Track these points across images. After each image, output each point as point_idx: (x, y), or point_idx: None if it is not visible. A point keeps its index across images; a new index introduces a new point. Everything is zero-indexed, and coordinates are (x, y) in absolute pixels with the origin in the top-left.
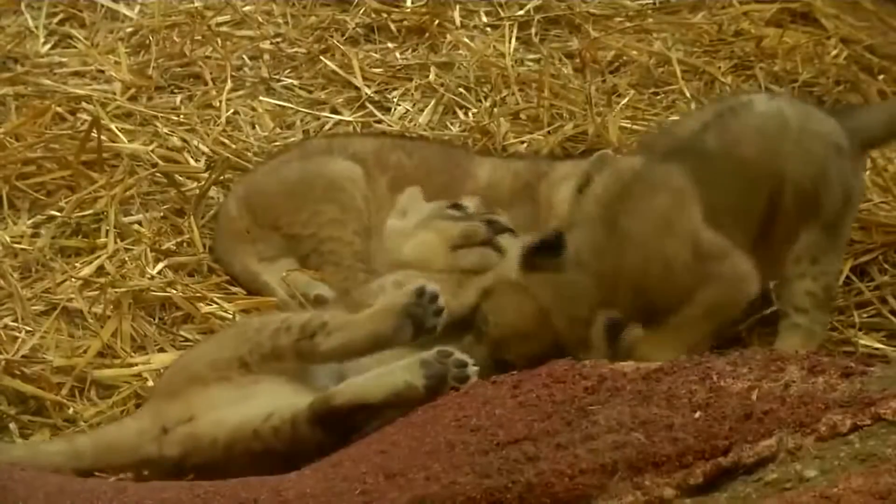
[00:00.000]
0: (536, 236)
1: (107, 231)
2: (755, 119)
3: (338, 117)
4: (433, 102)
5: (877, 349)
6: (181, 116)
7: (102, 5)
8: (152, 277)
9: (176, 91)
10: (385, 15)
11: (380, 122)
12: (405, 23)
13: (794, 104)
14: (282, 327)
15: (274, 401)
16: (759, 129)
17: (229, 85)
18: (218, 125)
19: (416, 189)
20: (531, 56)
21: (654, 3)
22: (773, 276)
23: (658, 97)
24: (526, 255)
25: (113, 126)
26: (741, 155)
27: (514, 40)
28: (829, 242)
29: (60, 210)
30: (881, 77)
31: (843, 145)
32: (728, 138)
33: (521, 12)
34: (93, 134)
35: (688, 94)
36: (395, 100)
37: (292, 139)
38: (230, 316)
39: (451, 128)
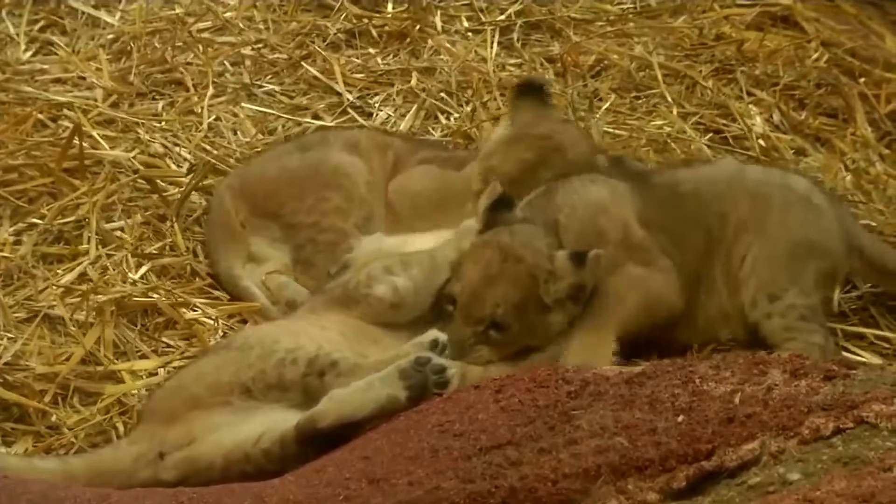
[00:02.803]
0: (490, 196)
1: (89, 238)
2: (713, 169)
3: (319, 122)
4: (415, 108)
5: (861, 356)
6: (163, 123)
7: (83, 12)
8: (134, 283)
9: (157, 97)
10: (366, 20)
11: (361, 127)
12: (386, 28)
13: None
14: (287, 358)
15: (267, 423)
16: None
17: (211, 91)
18: (200, 131)
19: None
20: (512, 61)
21: (635, 8)
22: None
23: (639, 101)
24: (486, 212)
25: (94, 133)
26: (681, 190)
27: (495, 45)
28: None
29: (42, 217)
30: (862, 80)
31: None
32: (677, 177)
33: (503, 17)
34: (74, 141)
35: (669, 99)
36: (377, 105)
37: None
38: (212, 321)
39: (433, 132)
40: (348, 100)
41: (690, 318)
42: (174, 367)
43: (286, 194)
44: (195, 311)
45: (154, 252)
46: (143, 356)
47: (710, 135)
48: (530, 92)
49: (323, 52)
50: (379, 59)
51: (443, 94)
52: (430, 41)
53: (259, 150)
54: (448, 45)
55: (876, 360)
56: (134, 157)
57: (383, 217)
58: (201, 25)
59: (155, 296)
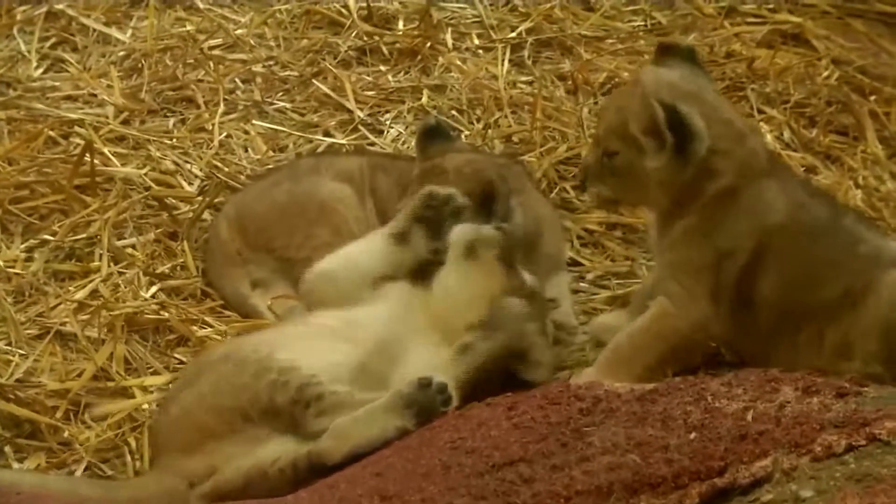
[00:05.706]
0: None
1: (100, 255)
2: None
3: (330, 140)
4: None
5: None
6: (174, 140)
7: (94, 29)
8: (146, 300)
9: (168, 114)
10: (377, 38)
11: (372, 144)
12: (397, 45)
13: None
14: (279, 380)
15: (280, 449)
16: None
17: (222, 108)
18: (211, 148)
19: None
20: (523, 78)
21: (646, 25)
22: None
23: None
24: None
25: (106, 150)
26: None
27: (506, 62)
28: None
29: (54, 234)
30: (872, 98)
31: None
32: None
33: (514, 34)
34: (86, 158)
35: None
36: (388, 122)
37: (285, 162)
38: (222, 339)
39: None
40: (359, 117)
41: (764, 355)
42: None
43: (276, 230)
44: (206, 328)
45: (166, 272)
46: (155, 372)
47: None
48: (431, 135)
49: (334, 70)
50: (390, 77)
51: (454, 112)
52: (440, 58)
53: (270, 166)
54: (459, 63)
55: None
56: (145, 174)
57: None
58: (212, 43)
59: (166, 313)
